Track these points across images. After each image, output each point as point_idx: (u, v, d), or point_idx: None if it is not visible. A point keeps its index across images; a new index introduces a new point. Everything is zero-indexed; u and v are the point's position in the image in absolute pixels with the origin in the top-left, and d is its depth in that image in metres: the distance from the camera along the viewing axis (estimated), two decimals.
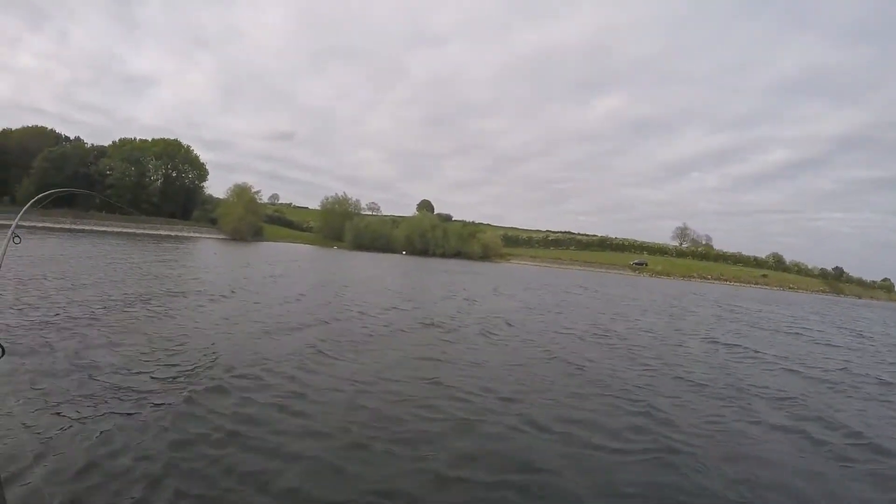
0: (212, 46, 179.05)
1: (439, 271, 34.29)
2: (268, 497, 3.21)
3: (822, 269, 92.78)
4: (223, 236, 52.57)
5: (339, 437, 4.20)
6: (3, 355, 1.71)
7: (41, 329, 6.73)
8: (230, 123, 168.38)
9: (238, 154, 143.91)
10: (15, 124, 62.00)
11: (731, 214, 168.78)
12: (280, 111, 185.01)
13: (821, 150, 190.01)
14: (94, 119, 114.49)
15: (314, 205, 79.30)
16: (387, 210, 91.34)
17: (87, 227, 47.11)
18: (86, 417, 4.03)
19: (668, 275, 72.23)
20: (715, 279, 74.25)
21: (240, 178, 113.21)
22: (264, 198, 69.63)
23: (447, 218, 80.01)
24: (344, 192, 73.17)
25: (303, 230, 71.94)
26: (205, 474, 3.38)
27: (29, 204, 3.37)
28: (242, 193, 56.80)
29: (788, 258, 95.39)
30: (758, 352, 10.47)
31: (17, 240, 2.57)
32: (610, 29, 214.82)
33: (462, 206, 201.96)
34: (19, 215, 2.94)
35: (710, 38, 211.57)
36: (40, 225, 43.95)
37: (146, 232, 49.84)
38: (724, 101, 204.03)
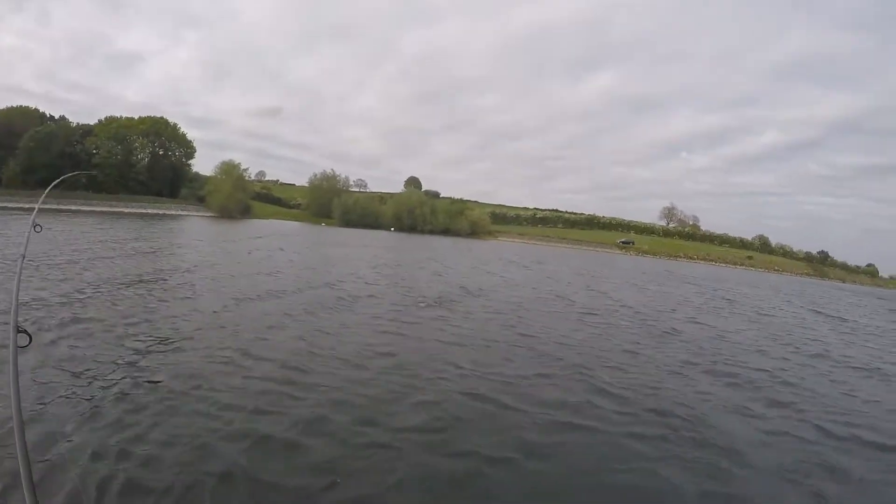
0: (200, 24, 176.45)
1: (424, 248, 35.55)
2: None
3: (807, 252, 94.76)
4: (211, 214, 53.31)
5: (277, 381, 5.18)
6: (30, 342, 1.72)
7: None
8: (218, 101, 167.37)
9: (226, 131, 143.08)
10: None
11: (720, 195, 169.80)
12: (268, 88, 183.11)
13: (814, 134, 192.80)
14: (80, 98, 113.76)
15: (302, 182, 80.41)
16: (375, 187, 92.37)
17: (73, 207, 47.55)
18: (93, 397, 4.45)
19: (654, 254, 73.82)
20: (701, 259, 75.86)
21: (227, 156, 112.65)
22: (252, 175, 70.09)
23: (435, 195, 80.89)
24: (332, 169, 73.97)
25: (290, 207, 72.78)
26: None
27: (46, 191, 3.72)
28: (230, 171, 57.37)
29: (776, 241, 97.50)
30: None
31: (37, 228, 2.72)
32: (606, 6, 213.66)
33: (451, 182, 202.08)
34: (39, 202, 3.02)
35: (707, 18, 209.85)
36: (27, 206, 44.26)
37: (133, 210, 50.42)
38: (719, 82, 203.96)
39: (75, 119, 61.90)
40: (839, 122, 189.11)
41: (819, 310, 20.48)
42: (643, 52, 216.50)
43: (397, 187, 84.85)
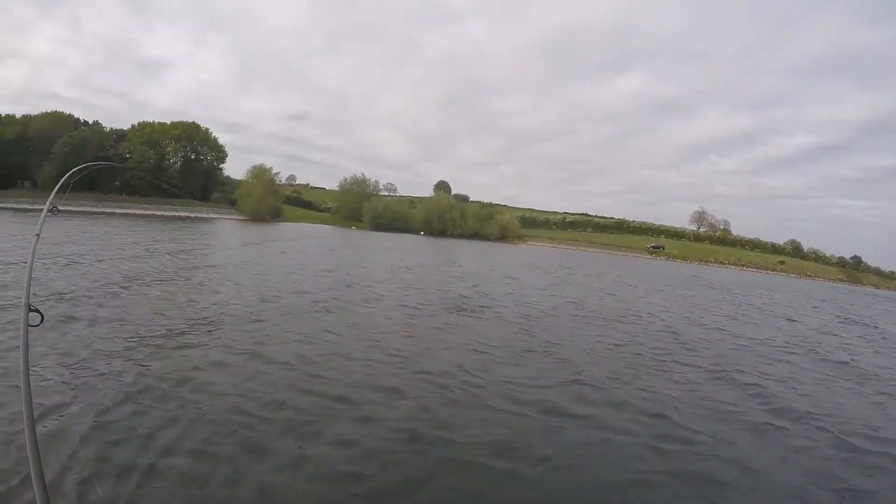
0: (226, 28, 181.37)
1: (450, 251, 35.14)
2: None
3: (840, 257, 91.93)
4: (243, 217, 53.31)
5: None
6: (41, 322, 1.77)
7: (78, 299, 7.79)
8: (246, 105, 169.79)
9: (255, 136, 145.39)
10: (33, 111, 63.28)
11: (750, 199, 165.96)
12: (295, 91, 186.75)
13: (844, 135, 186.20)
14: (111, 103, 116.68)
15: (331, 185, 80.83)
16: (404, 190, 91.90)
17: (107, 210, 48.07)
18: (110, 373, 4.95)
19: (684, 259, 72.08)
20: (731, 264, 73.88)
21: (258, 160, 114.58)
22: (282, 179, 70.31)
23: (464, 198, 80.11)
24: (362, 173, 73.80)
25: (320, 211, 72.62)
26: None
27: (64, 178, 3.63)
28: (262, 174, 57.42)
29: (807, 245, 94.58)
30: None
31: (54, 211, 2.78)
32: (631, 6, 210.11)
33: (479, 186, 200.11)
34: (55, 189, 2.99)
35: (732, 16, 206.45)
36: (62, 207, 44.56)
37: (166, 213, 50.72)
38: (746, 82, 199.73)
39: (108, 124, 62.72)
40: (869, 122, 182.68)
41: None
42: (669, 53, 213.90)
43: (425, 191, 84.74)
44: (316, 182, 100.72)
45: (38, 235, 2.39)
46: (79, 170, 3.54)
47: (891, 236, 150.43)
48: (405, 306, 10.44)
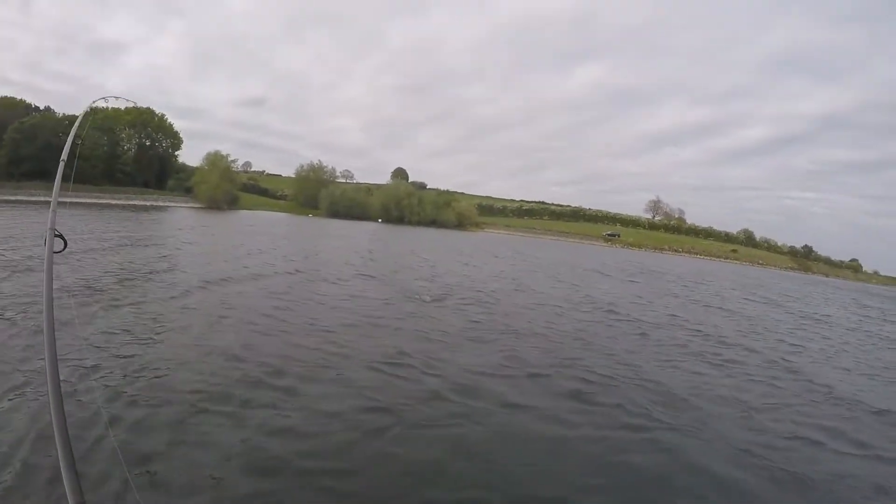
0: (184, 11, 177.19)
1: (411, 240, 36.62)
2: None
3: (791, 246, 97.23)
4: (199, 205, 54.14)
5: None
6: (65, 247, 1.82)
7: None
8: (203, 90, 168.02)
9: (211, 122, 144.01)
10: None
11: (706, 189, 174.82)
12: (254, 78, 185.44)
13: (802, 128, 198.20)
14: (64, 88, 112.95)
15: (288, 172, 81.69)
16: (361, 178, 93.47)
17: (60, 199, 48.10)
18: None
19: (639, 246, 75.49)
20: (685, 252, 77.52)
21: (213, 147, 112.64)
22: (238, 166, 70.96)
23: (422, 186, 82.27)
24: (319, 160, 75.19)
25: (277, 198, 73.90)
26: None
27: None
28: (217, 162, 58.18)
29: (761, 235, 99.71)
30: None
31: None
32: None
33: (438, 174, 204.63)
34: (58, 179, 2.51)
35: (696, 11, 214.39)
36: (13, 198, 44.40)
37: (120, 202, 51.06)
38: (707, 76, 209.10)
39: (61, 110, 62.21)
40: (826, 116, 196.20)
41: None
42: (631, 44, 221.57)
43: (383, 178, 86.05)
44: (273, 169, 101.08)
45: (63, 161, 2.49)
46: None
47: (840, 227, 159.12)
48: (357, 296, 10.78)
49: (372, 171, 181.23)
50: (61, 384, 1.22)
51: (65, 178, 2.35)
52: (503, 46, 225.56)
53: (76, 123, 2.79)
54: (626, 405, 5.60)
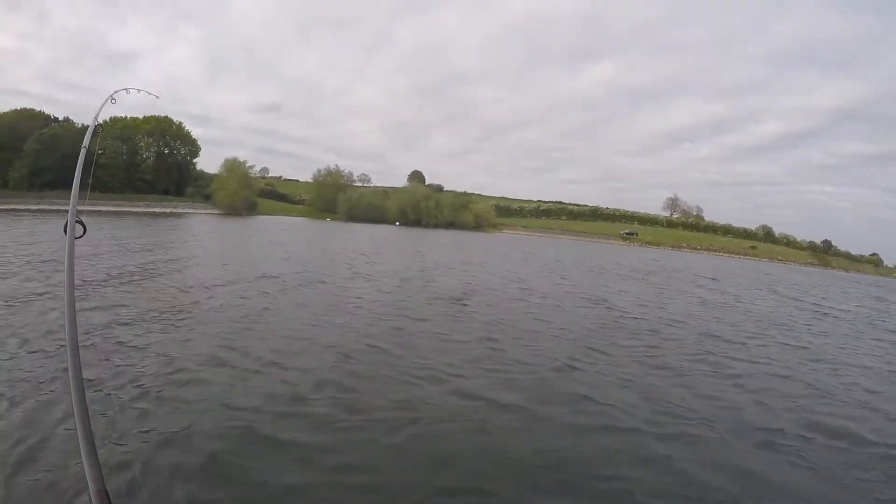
0: (196, 19, 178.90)
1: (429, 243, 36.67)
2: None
3: (810, 241, 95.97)
4: (218, 211, 54.55)
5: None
6: (84, 233, 1.89)
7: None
8: (217, 97, 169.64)
9: (226, 128, 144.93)
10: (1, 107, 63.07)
11: (724, 185, 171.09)
12: (267, 83, 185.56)
13: (815, 122, 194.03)
14: (79, 98, 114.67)
15: (304, 177, 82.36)
16: (377, 181, 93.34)
17: (81, 208, 48.65)
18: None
19: (657, 244, 74.71)
20: (704, 249, 76.76)
21: (229, 153, 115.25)
22: (255, 171, 71.37)
23: (438, 188, 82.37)
24: (336, 165, 75.91)
25: (294, 203, 74.34)
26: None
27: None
28: (235, 168, 58.55)
29: (780, 230, 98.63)
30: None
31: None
32: None
33: (453, 176, 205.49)
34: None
35: (704, 5, 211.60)
36: (34, 208, 45.04)
37: (141, 210, 51.65)
38: (720, 70, 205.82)
39: (78, 120, 63.07)
40: (841, 109, 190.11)
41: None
42: (642, 40, 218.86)
43: (399, 181, 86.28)
44: (289, 174, 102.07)
45: (86, 147, 2.57)
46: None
47: (860, 221, 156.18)
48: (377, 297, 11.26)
49: (387, 174, 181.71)
50: (82, 370, 1.23)
51: (87, 166, 2.40)
52: (513, 45, 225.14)
53: (99, 108, 2.85)
54: (641, 401, 5.76)
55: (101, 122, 2.52)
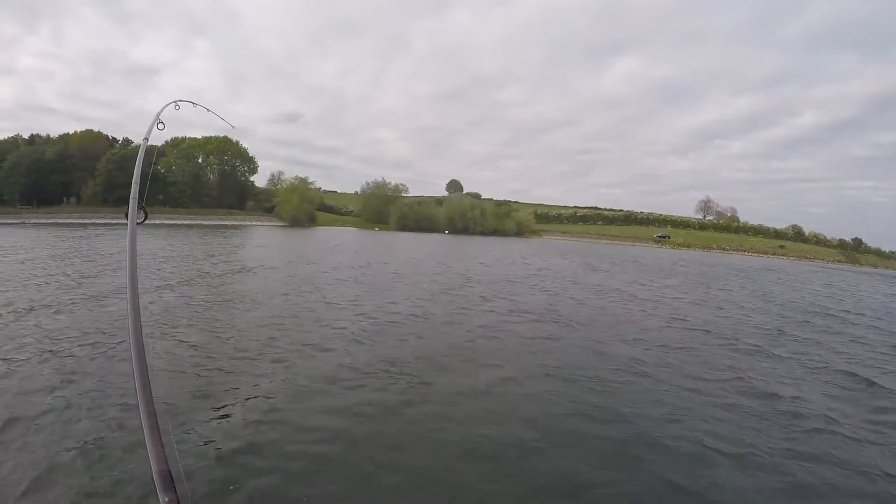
0: (208, 32, 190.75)
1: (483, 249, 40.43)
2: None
3: (840, 239, 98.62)
4: (282, 223, 59.84)
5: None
6: (146, 218, 2.05)
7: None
8: (239, 109, 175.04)
9: (251, 140, 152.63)
10: (27, 125, 69.07)
11: (759, 183, 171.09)
12: (287, 93, 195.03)
13: (853, 111, 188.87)
14: (104, 114, 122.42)
15: (333, 187, 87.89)
16: (413, 190, 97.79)
17: (157, 221, 53.81)
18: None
19: (688, 247, 78.35)
20: (733, 250, 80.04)
21: (259, 165, 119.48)
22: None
23: (476, 196, 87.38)
24: (383, 177, 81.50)
25: (342, 214, 79.92)
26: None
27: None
28: (301, 184, 64.52)
29: (815, 228, 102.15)
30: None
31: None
32: None
33: (485, 182, 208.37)
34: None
35: None
36: (114, 222, 49.77)
37: (212, 223, 56.80)
38: (747, 60, 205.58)
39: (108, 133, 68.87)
40: (880, 96, 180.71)
41: None
42: (664, 31, 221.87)
43: (431, 190, 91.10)
44: (323, 185, 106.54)
45: (146, 139, 2.84)
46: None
47: None
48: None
49: (419, 182, 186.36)
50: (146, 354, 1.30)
51: (147, 157, 2.60)
52: (531, 44, 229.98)
53: (156, 115, 3.05)
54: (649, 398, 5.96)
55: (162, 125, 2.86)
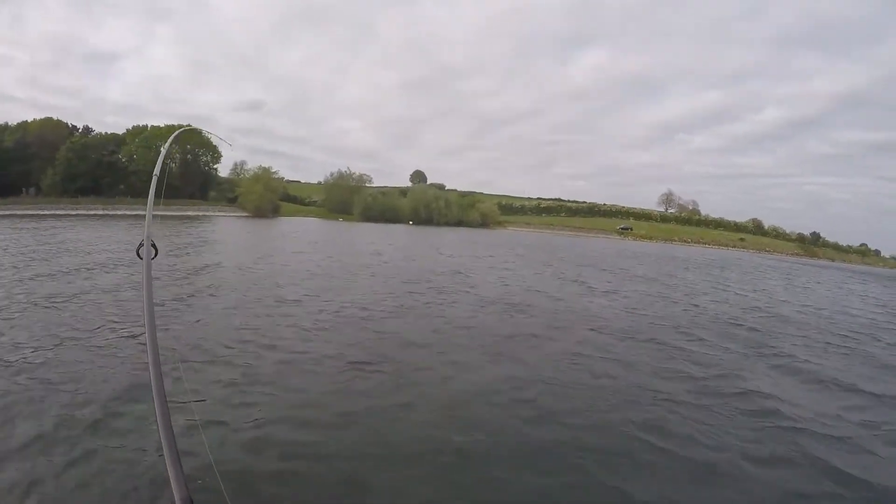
0: (172, 18, 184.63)
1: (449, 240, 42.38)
2: None
3: (799, 233, 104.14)
4: (246, 214, 60.92)
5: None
6: (156, 254, 2.16)
7: None
8: (202, 98, 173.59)
9: (214, 129, 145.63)
10: None
11: (721, 178, 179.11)
12: (252, 82, 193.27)
13: (816, 109, 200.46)
14: (65, 101, 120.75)
15: (297, 177, 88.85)
16: (378, 181, 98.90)
17: (118, 213, 52.83)
18: None
19: (650, 238, 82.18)
20: (694, 243, 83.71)
21: (222, 154, 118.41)
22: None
23: (441, 187, 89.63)
24: (348, 168, 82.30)
25: (305, 204, 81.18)
26: None
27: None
28: (264, 174, 65.51)
29: (776, 223, 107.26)
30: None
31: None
32: None
33: (451, 174, 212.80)
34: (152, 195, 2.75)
35: None
36: (73, 213, 48.96)
37: (176, 214, 57.25)
38: (714, 56, 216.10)
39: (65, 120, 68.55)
40: (842, 95, 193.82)
41: None
42: (633, 26, 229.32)
43: (398, 180, 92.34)
44: (286, 175, 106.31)
45: (156, 175, 2.99)
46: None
47: (861, 211, 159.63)
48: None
49: (385, 172, 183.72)
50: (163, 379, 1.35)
51: (156, 194, 2.73)
52: (500, 35, 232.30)
53: (166, 144, 3.23)
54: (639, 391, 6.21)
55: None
